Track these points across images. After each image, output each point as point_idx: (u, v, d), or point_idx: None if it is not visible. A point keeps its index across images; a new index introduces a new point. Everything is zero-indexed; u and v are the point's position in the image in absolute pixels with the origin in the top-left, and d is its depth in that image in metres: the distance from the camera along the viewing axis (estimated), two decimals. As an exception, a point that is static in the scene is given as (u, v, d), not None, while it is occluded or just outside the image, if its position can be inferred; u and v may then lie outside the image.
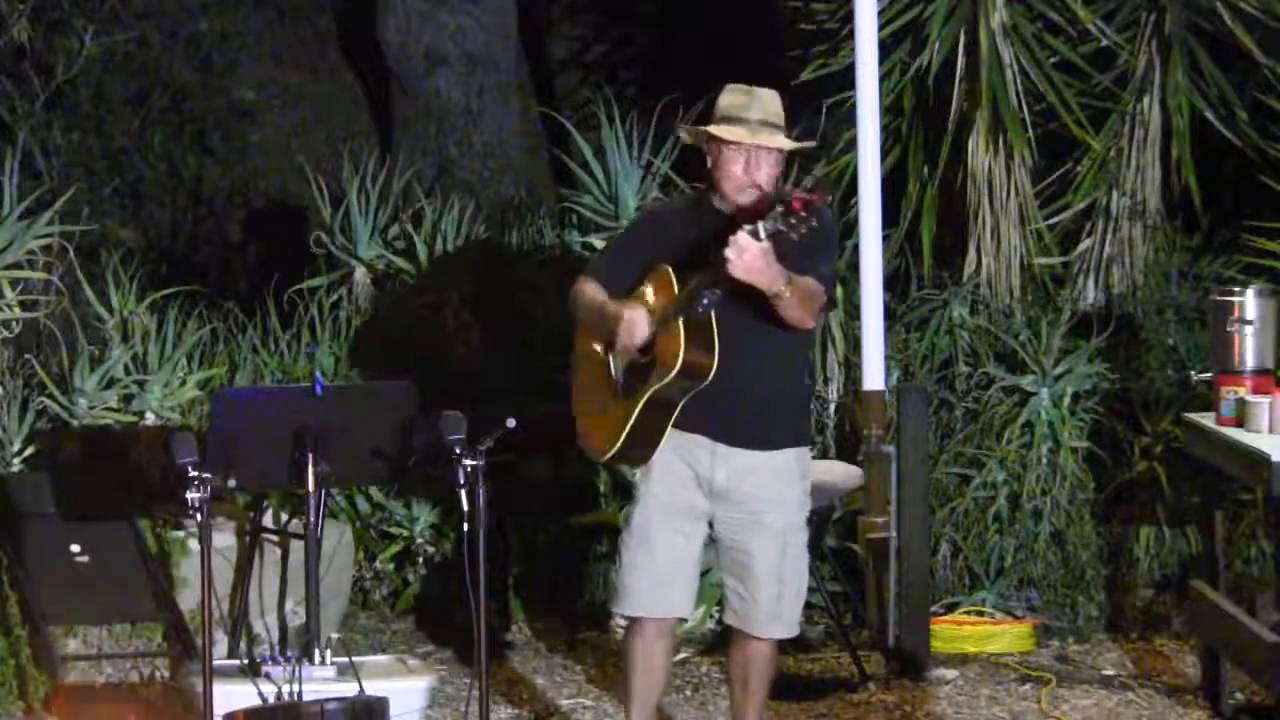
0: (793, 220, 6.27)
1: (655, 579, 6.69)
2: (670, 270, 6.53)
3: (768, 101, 6.60)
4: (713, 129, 6.58)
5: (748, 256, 6.28)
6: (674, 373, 6.47)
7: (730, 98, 6.61)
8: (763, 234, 6.28)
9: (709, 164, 6.64)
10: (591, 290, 6.72)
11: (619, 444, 6.59)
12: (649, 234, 6.81)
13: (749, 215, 6.45)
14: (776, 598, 6.68)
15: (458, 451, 6.35)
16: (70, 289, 8.83)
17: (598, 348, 6.71)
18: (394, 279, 9.53)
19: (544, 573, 8.81)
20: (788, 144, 6.60)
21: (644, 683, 6.78)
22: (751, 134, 6.52)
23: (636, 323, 6.52)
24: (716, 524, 6.71)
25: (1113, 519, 8.84)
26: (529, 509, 8.78)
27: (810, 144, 6.73)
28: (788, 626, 6.75)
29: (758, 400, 6.61)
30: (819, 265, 6.53)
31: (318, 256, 9.67)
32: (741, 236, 6.28)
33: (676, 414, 6.57)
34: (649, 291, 6.59)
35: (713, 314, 6.46)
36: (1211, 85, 9.50)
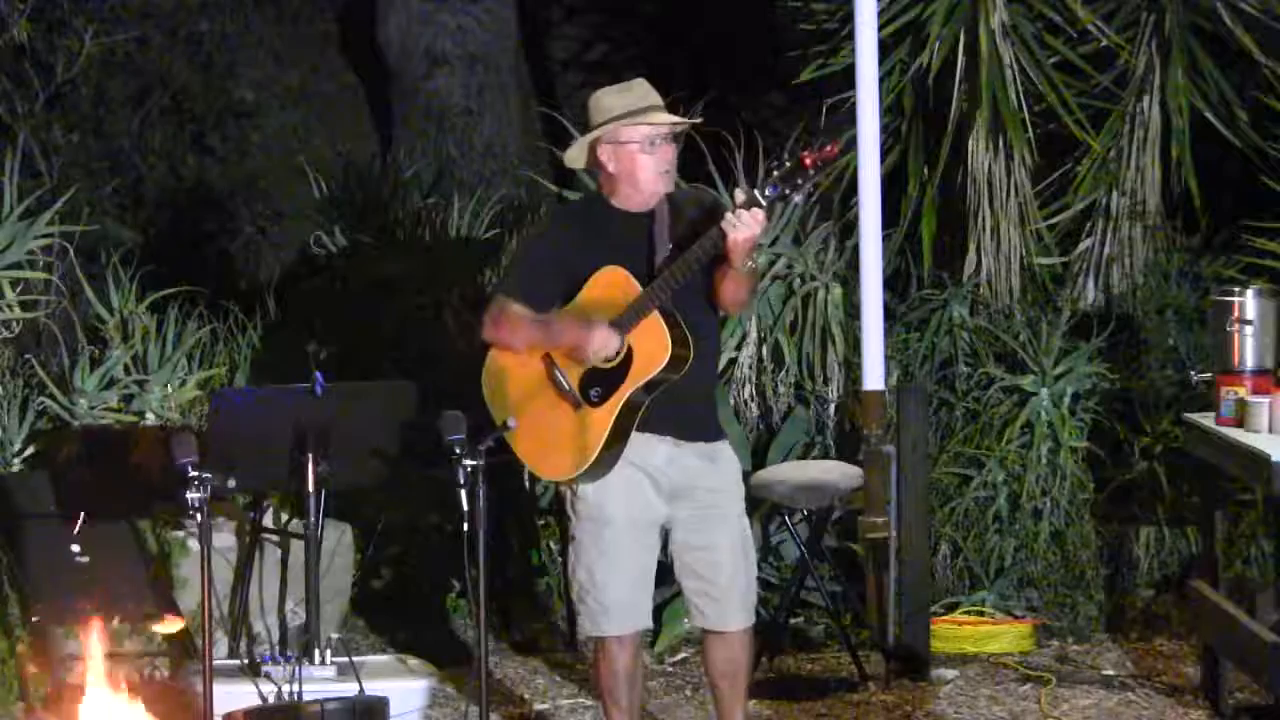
0: (799, 180, 6.31)
1: (630, 593, 6.66)
2: (624, 269, 6.50)
3: (649, 87, 6.66)
4: (632, 125, 6.56)
5: (755, 226, 6.31)
6: (662, 366, 6.44)
7: (616, 98, 6.63)
8: (762, 199, 6.30)
9: (609, 169, 6.60)
10: (522, 310, 6.63)
11: (595, 456, 6.51)
12: (555, 247, 6.70)
13: (666, 201, 6.54)
14: (746, 586, 6.68)
15: (458, 451, 6.35)
16: (70, 289, 8.84)
17: (532, 367, 6.61)
18: (394, 279, 9.52)
19: (544, 573, 8.81)
20: (674, 117, 6.62)
21: (632, 696, 6.76)
22: (669, 115, 6.59)
23: (610, 339, 6.46)
24: (675, 527, 6.67)
25: (1113, 519, 8.84)
26: (529, 509, 8.78)
27: (698, 119, 6.73)
28: (752, 613, 6.74)
29: (704, 392, 6.67)
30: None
31: (317, 256, 9.67)
32: (753, 209, 6.30)
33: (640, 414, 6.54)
34: (600, 294, 6.52)
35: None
36: (1211, 85, 9.50)
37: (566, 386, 6.54)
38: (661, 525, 6.68)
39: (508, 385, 6.69)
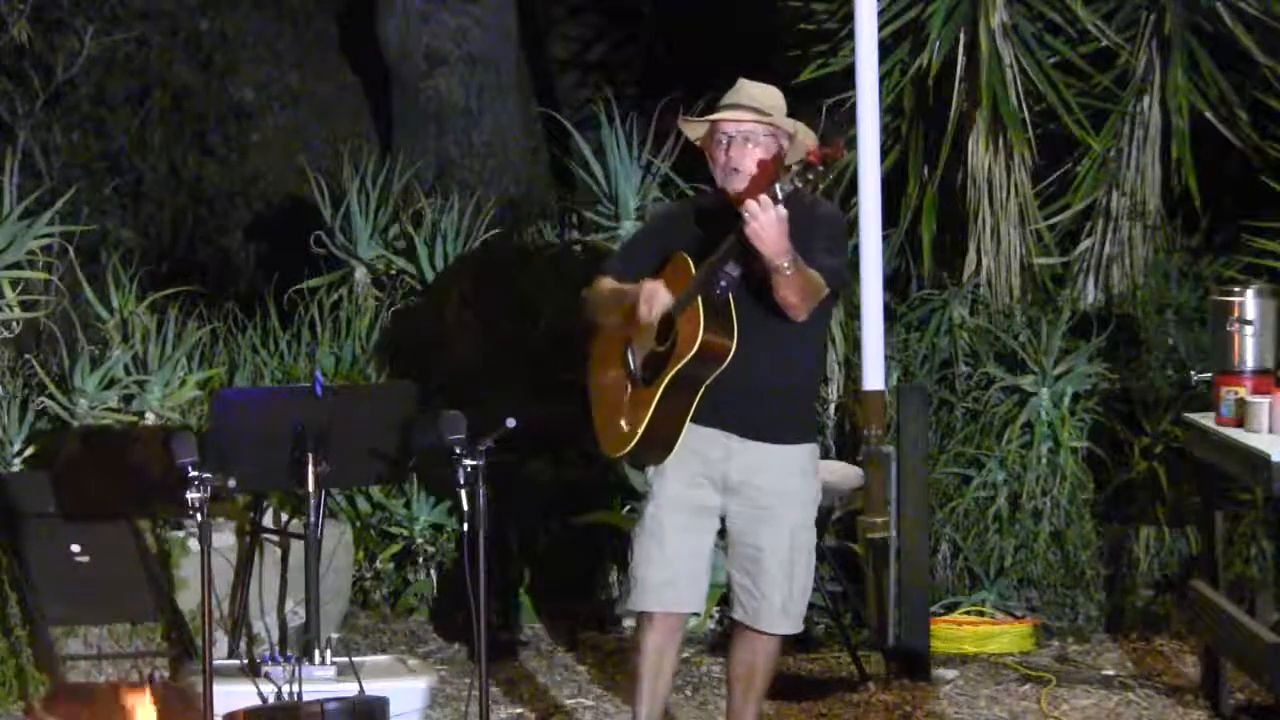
0: (810, 176, 6.33)
1: (668, 573, 6.69)
2: (687, 256, 6.57)
3: (753, 90, 6.69)
4: (707, 121, 6.68)
5: (763, 217, 6.30)
6: (693, 353, 6.47)
7: (723, 95, 6.70)
8: (779, 194, 6.32)
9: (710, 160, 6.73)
10: (608, 283, 6.78)
11: (640, 433, 6.58)
12: (664, 230, 6.87)
13: (743, 200, 6.52)
14: (788, 594, 6.69)
15: (458, 451, 6.35)
16: (70, 289, 8.83)
17: (615, 346, 6.73)
18: (394, 279, 9.53)
19: (545, 573, 8.81)
20: (746, 116, 6.61)
21: (654, 682, 6.77)
22: (722, 113, 6.62)
23: (656, 292, 6.54)
24: (728, 520, 6.72)
25: (1113, 519, 8.84)
26: (530, 509, 8.78)
27: (767, 117, 6.65)
28: (795, 623, 6.76)
29: (773, 394, 6.63)
30: (821, 255, 6.53)
31: (318, 256, 9.67)
32: (762, 198, 6.33)
33: (695, 405, 6.56)
34: (668, 278, 6.61)
35: (730, 296, 6.48)
36: (1211, 85, 9.49)
37: (632, 366, 6.66)
38: (718, 514, 6.72)
39: (594, 366, 6.83)
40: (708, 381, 6.54)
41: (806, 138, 6.69)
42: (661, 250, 6.70)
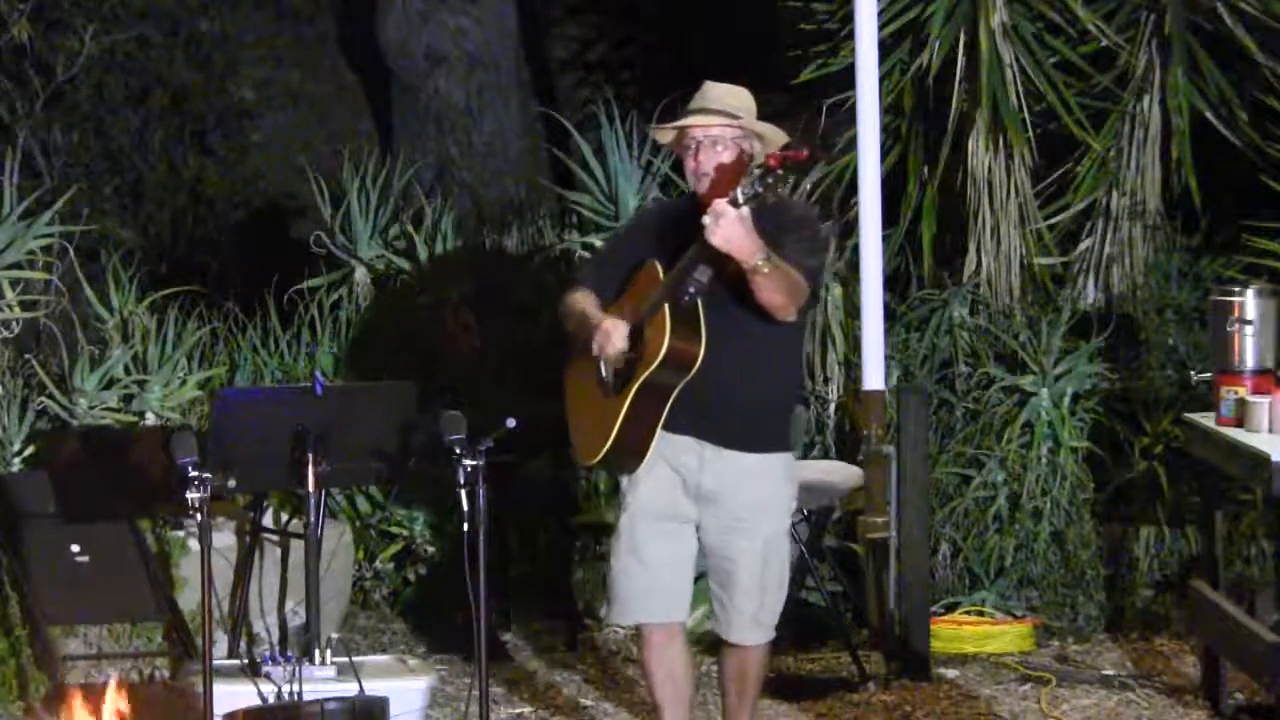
0: (770, 180, 6.26)
1: (647, 583, 6.66)
2: (657, 264, 6.53)
3: (720, 92, 6.63)
4: (673, 127, 6.65)
5: (724, 222, 6.24)
6: (659, 360, 6.43)
7: (693, 98, 6.66)
8: (740, 198, 6.27)
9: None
10: (579, 299, 6.72)
11: (610, 441, 6.54)
12: (638, 236, 6.82)
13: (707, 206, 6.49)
14: (759, 605, 6.65)
15: (458, 451, 6.35)
16: (70, 289, 8.83)
17: (588, 353, 6.68)
18: (394, 279, 9.53)
19: (544, 573, 8.81)
20: (713, 121, 6.55)
21: (669, 692, 6.75)
22: (689, 119, 6.59)
23: (612, 332, 6.52)
24: (701, 530, 6.68)
25: (1113, 519, 8.84)
26: (529, 509, 8.78)
27: (734, 120, 6.57)
28: (767, 632, 6.72)
29: (747, 402, 6.57)
30: (799, 256, 6.46)
31: (318, 256, 9.67)
32: (719, 203, 6.28)
33: (666, 413, 6.52)
34: (638, 287, 6.58)
35: (699, 302, 6.44)
36: (1211, 85, 9.49)
37: (603, 373, 6.62)
38: (693, 523, 6.68)
39: (570, 372, 6.79)
40: (678, 389, 6.49)
41: (777, 138, 6.65)
42: (635, 257, 6.65)
